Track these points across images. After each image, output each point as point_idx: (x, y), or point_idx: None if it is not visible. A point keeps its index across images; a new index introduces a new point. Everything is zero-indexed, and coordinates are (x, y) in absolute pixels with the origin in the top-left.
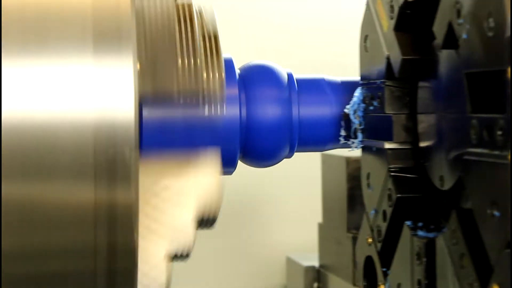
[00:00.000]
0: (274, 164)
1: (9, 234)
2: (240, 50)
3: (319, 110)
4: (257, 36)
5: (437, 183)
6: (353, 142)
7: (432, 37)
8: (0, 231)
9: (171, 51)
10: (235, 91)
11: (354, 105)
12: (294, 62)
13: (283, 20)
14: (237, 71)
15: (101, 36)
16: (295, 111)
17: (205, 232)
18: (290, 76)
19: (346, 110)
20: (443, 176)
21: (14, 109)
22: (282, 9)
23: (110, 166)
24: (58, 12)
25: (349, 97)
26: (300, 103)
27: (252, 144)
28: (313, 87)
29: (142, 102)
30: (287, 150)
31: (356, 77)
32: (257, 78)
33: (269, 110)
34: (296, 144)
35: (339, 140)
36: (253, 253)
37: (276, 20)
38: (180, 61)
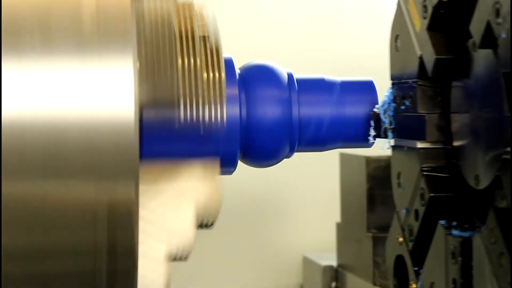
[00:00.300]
0: (274, 164)
1: (9, 234)
2: (240, 50)
3: (319, 110)
4: (257, 36)
5: (472, 182)
6: (383, 142)
7: (466, 36)
8: (0, 230)
9: (171, 51)
10: (235, 91)
11: (384, 104)
12: (294, 62)
13: (283, 20)
14: (237, 71)
15: (101, 36)
16: (295, 111)
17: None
18: (290, 76)
19: (376, 110)
20: (478, 175)
21: (14, 109)
22: (282, 9)
23: (110, 166)
24: (57, 11)
25: (349, 97)
26: (300, 103)
27: (252, 144)
28: (313, 87)
29: (142, 104)
30: (287, 150)
31: (356, 77)
32: (257, 78)
33: (269, 110)
34: (296, 144)
35: (338, 140)
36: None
37: (276, 20)
38: (180, 61)
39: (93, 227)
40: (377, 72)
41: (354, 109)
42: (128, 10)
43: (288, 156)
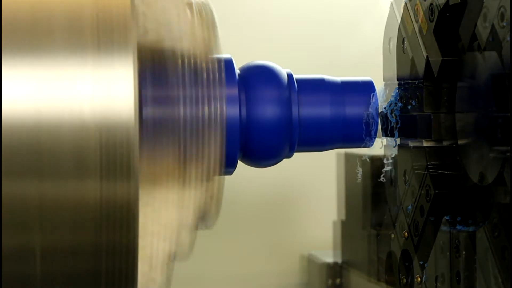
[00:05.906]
0: (274, 164)
1: (10, 234)
2: (240, 50)
3: (319, 111)
4: (257, 36)
5: (476, 179)
6: (389, 141)
7: (471, 38)
8: (0, 230)
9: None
10: (235, 91)
11: (391, 104)
12: (294, 62)
13: (283, 20)
14: (237, 71)
15: (101, 35)
16: (295, 111)
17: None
18: (290, 76)
19: (383, 110)
20: (482, 172)
21: (15, 109)
22: (282, 9)
23: (111, 165)
24: (57, 11)
25: (349, 97)
26: (300, 103)
27: (252, 144)
28: (313, 87)
29: (142, 101)
30: (287, 150)
31: (356, 77)
32: (257, 78)
33: (269, 110)
34: (296, 144)
35: (338, 140)
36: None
37: (277, 20)
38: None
39: (93, 226)
40: (376, 69)
41: (354, 109)
42: (128, 8)
43: (288, 156)
